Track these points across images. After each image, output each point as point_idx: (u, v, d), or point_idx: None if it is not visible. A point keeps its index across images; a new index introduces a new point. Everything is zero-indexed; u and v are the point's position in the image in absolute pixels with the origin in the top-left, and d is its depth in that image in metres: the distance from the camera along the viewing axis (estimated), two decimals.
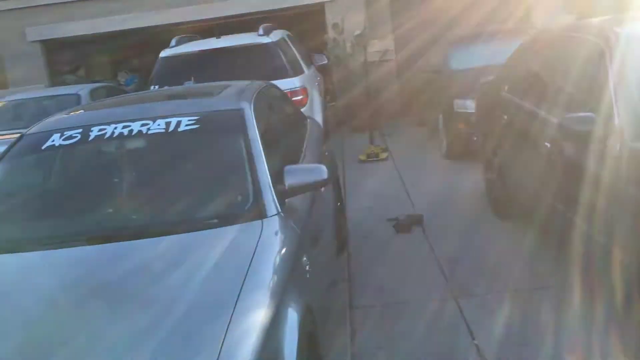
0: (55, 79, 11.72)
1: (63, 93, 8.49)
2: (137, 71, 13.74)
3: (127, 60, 14.20)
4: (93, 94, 8.22)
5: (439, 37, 8.45)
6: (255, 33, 6.84)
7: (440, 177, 6.39)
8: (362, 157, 7.64)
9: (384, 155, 7.62)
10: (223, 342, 1.84)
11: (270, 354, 1.96)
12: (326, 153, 4.43)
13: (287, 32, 7.66)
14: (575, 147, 3.18)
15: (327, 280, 3.37)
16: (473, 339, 3.29)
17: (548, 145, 3.56)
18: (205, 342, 1.86)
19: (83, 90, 8.28)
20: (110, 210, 2.86)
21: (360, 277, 4.27)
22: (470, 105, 6.24)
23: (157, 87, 6.58)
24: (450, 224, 5.00)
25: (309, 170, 2.90)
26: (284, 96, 4.39)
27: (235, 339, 1.88)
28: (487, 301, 3.68)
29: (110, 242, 2.53)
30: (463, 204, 5.43)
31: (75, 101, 7.84)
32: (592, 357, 2.96)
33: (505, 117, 4.49)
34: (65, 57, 12.53)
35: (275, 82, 4.75)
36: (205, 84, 4.37)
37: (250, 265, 2.24)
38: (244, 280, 2.14)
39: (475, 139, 5.95)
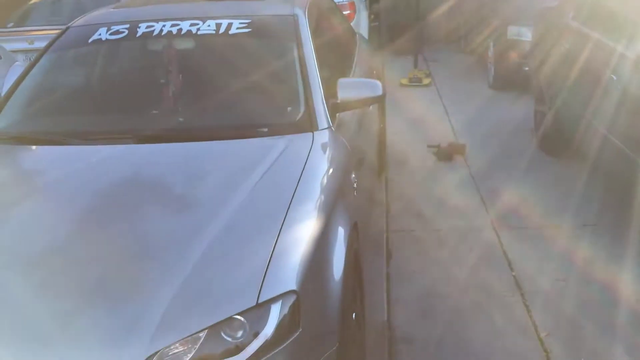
0: None
1: None
2: None
3: None
4: None
5: None
6: None
7: (485, 108, 6.19)
8: (404, 81, 7.41)
9: (427, 80, 7.37)
10: (274, 247, 1.80)
11: (318, 267, 1.93)
12: (374, 71, 4.27)
13: None
14: None
15: (369, 201, 3.31)
16: (511, 270, 3.24)
17: (615, 77, 3.35)
18: (256, 247, 1.82)
19: None
20: (158, 110, 2.80)
21: (398, 201, 4.21)
22: (525, 33, 5.93)
23: None
24: (494, 156, 4.85)
25: (364, 85, 2.77)
26: (335, 7, 4.18)
27: (286, 246, 1.84)
28: (527, 235, 3.61)
29: (158, 142, 2.48)
30: (508, 136, 5.26)
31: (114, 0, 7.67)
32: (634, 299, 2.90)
33: (568, 46, 4.23)
34: None
35: None
36: None
37: (300, 176, 2.17)
38: (295, 191, 2.08)
39: (526, 69, 5.68)
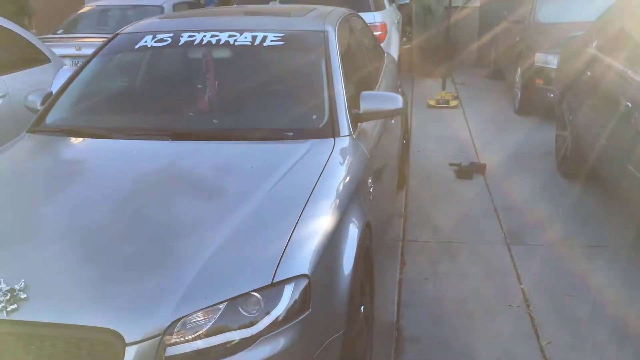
0: None
1: (147, 4, 8.67)
2: None
3: None
4: (176, 8, 8.41)
5: None
6: None
7: (509, 131, 6.32)
8: (432, 102, 7.59)
9: (454, 102, 7.54)
10: (291, 236, 1.99)
11: (330, 258, 2.11)
12: (400, 89, 4.46)
13: None
14: None
15: (386, 208, 3.49)
16: (520, 283, 3.37)
17: (629, 104, 3.48)
18: (275, 234, 2.02)
19: (167, 3, 8.46)
20: (194, 111, 3.04)
21: (416, 213, 4.37)
22: (552, 61, 6.06)
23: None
24: (513, 177, 4.99)
25: (384, 98, 2.97)
26: (366, 27, 4.40)
27: (300, 239, 2.02)
28: (539, 251, 3.73)
29: (192, 140, 2.71)
30: (529, 159, 5.39)
31: (158, 13, 8.05)
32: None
33: (589, 73, 4.37)
34: None
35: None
36: (291, 5, 4.43)
37: (320, 176, 2.37)
38: (313, 189, 2.28)
39: (551, 95, 5.81)
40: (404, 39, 9.77)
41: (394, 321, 3.04)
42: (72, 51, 7.04)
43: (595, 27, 4.74)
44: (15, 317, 1.74)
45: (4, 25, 5.07)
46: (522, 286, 3.34)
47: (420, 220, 4.25)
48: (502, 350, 2.80)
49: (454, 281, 3.42)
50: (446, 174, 5.13)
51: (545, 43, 6.39)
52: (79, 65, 7.03)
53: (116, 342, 1.70)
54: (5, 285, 1.78)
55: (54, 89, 4.29)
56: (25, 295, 1.77)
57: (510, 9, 8.22)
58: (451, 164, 5.22)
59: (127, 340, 1.70)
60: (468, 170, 5.07)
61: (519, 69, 7.02)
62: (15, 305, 1.75)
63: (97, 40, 7.31)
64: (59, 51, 6.72)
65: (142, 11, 8.23)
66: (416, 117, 6.95)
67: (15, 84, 4.82)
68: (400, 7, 8.71)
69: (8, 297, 1.75)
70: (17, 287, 1.78)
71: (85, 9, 8.66)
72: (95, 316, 1.74)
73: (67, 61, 6.90)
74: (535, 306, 3.14)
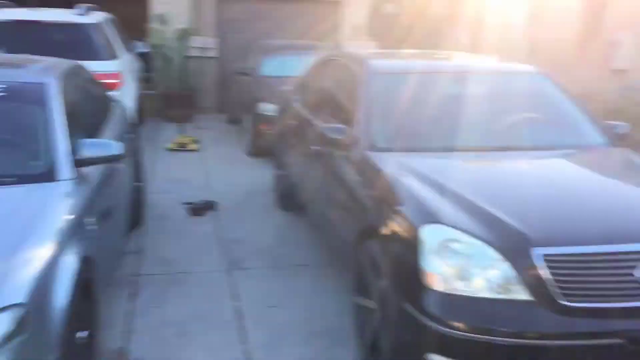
0: None
1: None
2: None
3: None
4: None
5: (259, 42, 9.13)
6: (75, 11, 6.92)
7: (241, 171, 7.08)
8: (172, 146, 8.03)
9: (193, 146, 8.09)
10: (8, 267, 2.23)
11: (46, 287, 2.38)
12: (129, 135, 4.81)
13: (109, 15, 7.78)
14: (331, 152, 4.00)
15: (115, 246, 3.80)
16: (235, 301, 3.96)
17: (315, 148, 4.37)
18: None
19: None
20: None
21: (151, 250, 4.73)
22: (271, 109, 7.00)
23: None
24: (241, 212, 5.67)
25: (103, 145, 3.32)
26: (91, 77, 4.67)
27: (18, 266, 2.29)
28: (254, 274, 4.40)
29: None
30: (254, 196, 6.15)
31: None
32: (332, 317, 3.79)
33: (292, 121, 5.28)
34: None
35: (89, 63, 5.00)
36: (16, 55, 4.52)
37: (40, 215, 2.64)
38: (32, 228, 2.54)
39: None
40: (148, 85, 10.11)
41: (119, 347, 3.36)
42: None
43: (298, 81, 5.73)
44: None
45: None
46: (236, 303, 3.93)
47: (155, 256, 4.62)
48: (212, 358, 3.32)
49: (179, 306, 3.87)
50: (181, 212, 5.60)
51: (266, 94, 7.34)
52: None
53: None
54: None
55: None
56: None
57: (241, 61, 9.18)
58: (184, 203, 5.71)
59: None
60: (201, 208, 5.60)
61: (249, 116, 7.89)
62: None
63: None
64: None
65: None
66: (157, 161, 7.33)
67: None
68: (141, 56, 9.04)
69: None
70: None
71: None
72: None
73: None
74: (245, 317, 3.74)
